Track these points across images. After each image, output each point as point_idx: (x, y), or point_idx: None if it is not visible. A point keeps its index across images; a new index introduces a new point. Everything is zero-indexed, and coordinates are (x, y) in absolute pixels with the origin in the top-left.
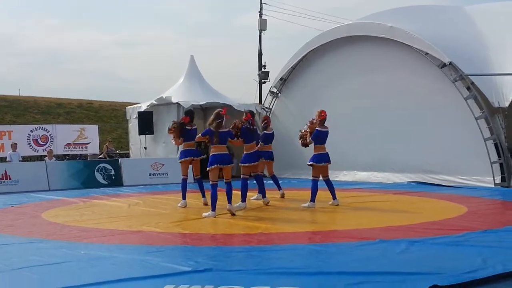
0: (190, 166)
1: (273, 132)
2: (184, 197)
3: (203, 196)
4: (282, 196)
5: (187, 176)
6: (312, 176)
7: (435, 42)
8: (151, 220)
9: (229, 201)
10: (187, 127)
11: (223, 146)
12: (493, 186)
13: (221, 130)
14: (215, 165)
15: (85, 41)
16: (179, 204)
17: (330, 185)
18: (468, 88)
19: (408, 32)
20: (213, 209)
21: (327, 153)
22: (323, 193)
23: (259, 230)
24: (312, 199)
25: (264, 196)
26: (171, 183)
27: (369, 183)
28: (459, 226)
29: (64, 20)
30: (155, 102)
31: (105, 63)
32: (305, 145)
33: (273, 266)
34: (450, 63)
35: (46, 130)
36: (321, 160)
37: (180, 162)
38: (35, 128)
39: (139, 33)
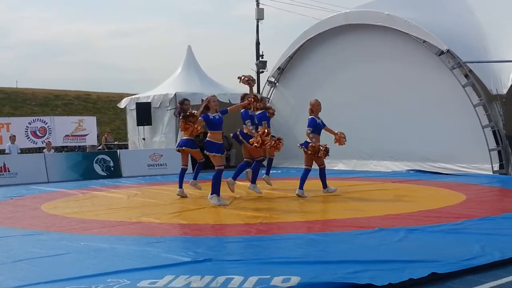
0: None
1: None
2: (180, 186)
3: (194, 178)
4: (267, 182)
5: (186, 166)
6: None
7: (433, 29)
8: (150, 211)
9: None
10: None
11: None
12: (491, 173)
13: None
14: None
15: (82, 32)
16: (177, 193)
17: (321, 174)
18: (466, 76)
19: (406, 20)
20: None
21: (305, 141)
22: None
23: (258, 220)
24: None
25: (254, 182)
26: (170, 173)
27: (368, 171)
28: (458, 213)
29: (60, 11)
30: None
31: (103, 54)
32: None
33: (272, 256)
34: (448, 50)
35: (44, 122)
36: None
37: (177, 150)
38: (33, 120)
39: (136, 23)
